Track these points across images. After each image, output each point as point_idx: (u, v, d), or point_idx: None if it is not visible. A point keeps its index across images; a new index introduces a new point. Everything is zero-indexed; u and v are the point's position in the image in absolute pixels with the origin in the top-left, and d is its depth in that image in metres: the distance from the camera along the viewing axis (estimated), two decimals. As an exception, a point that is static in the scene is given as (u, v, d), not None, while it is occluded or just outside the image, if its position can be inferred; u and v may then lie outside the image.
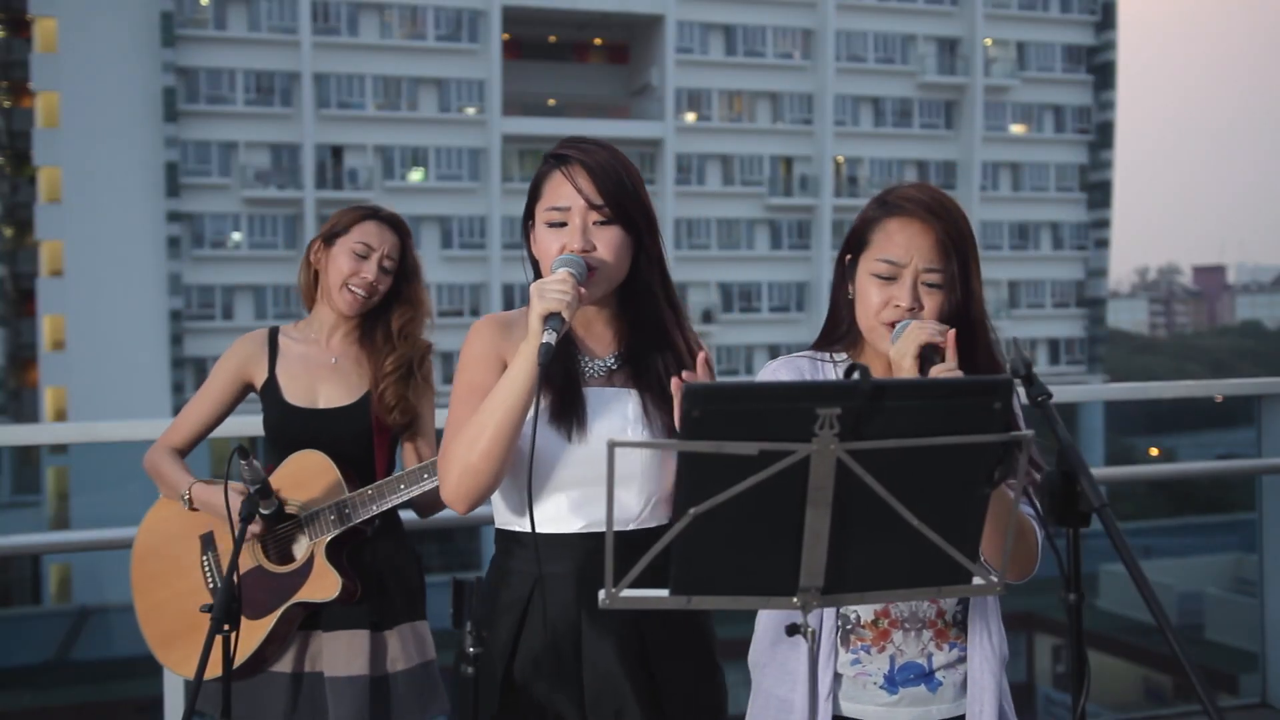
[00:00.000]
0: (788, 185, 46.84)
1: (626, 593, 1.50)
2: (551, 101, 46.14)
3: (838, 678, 2.01)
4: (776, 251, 46.74)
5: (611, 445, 1.46)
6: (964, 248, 1.96)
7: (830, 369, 2.10)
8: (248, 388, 2.76)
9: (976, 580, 1.56)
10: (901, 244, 1.96)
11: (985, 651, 1.99)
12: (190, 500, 2.66)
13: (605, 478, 1.90)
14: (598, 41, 48.22)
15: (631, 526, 2.02)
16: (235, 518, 2.43)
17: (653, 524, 2.04)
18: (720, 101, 46.74)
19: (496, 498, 2.09)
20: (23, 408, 42.24)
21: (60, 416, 38.65)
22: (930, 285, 1.95)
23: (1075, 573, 1.64)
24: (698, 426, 1.41)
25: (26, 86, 41.14)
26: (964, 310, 1.96)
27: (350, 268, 2.69)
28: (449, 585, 1.85)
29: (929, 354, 1.86)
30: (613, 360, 2.09)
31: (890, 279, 1.96)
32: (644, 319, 2.10)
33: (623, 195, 2.02)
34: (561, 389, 1.99)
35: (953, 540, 1.51)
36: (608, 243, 2.01)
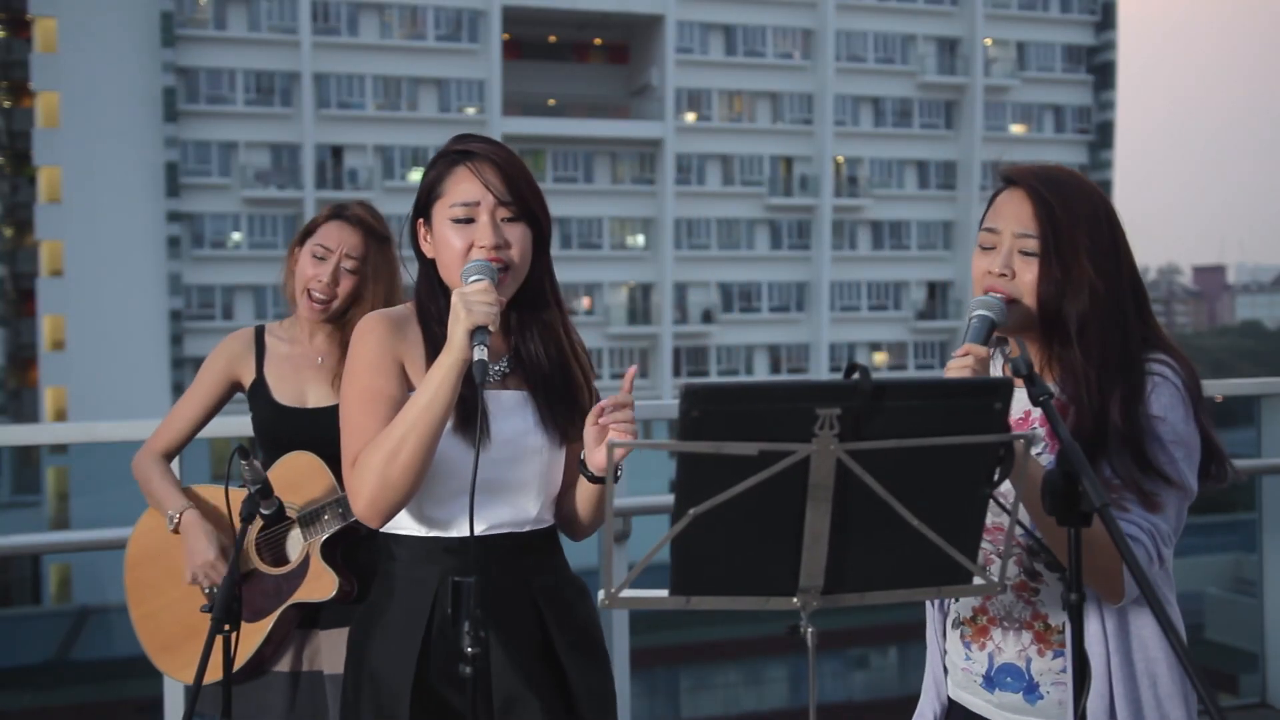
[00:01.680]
0: (788, 185, 46.83)
1: (626, 593, 1.50)
2: (551, 101, 46.13)
3: (946, 669, 2.02)
4: (776, 251, 46.73)
5: (611, 446, 1.46)
6: (1069, 218, 1.84)
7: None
8: (235, 387, 2.75)
9: (976, 580, 1.56)
10: (1002, 211, 1.91)
11: (1098, 668, 1.82)
12: (178, 526, 2.64)
13: (501, 481, 1.95)
14: (598, 41, 48.21)
15: (528, 528, 2.02)
16: (235, 518, 2.43)
17: (547, 523, 2.05)
18: (720, 101, 46.73)
19: None
20: (23, 408, 42.23)
21: (60, 416, 38.64)
22: (1026, 253, 1.86)
23: (1076, 573, 1.63)
24: (697, 426, 1.41)
25: (26, 86, 41.13)
26: (1064, 284, 1.83)
27: (309, 272, 2.66)
28: (448, 585, 1.85)
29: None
30: (505, 364, 2.04)
31: (991, 248, 1.90)
32: (533, 320, 2.05)
33: (528, 192, 1.98)
34: (464, 396, 1.91)
35: (953, 540, 1.51)
36: (517, 240, 1.97)
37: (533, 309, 2.06)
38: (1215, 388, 4.88)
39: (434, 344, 1.98)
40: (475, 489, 1.86)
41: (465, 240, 1.95)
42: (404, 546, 2.02)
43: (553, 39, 47.48)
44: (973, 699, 1.99)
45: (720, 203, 46.06)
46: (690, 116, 46.10)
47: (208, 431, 3.35)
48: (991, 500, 1.56)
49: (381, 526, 1.94)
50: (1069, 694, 1.84)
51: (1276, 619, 4.63)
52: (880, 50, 47.93)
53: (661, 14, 44.89)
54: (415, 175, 43.28)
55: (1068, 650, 1.83)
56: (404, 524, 2.01)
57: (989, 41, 48.91)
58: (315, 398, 2.70)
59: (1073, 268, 1.83)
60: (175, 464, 3.37)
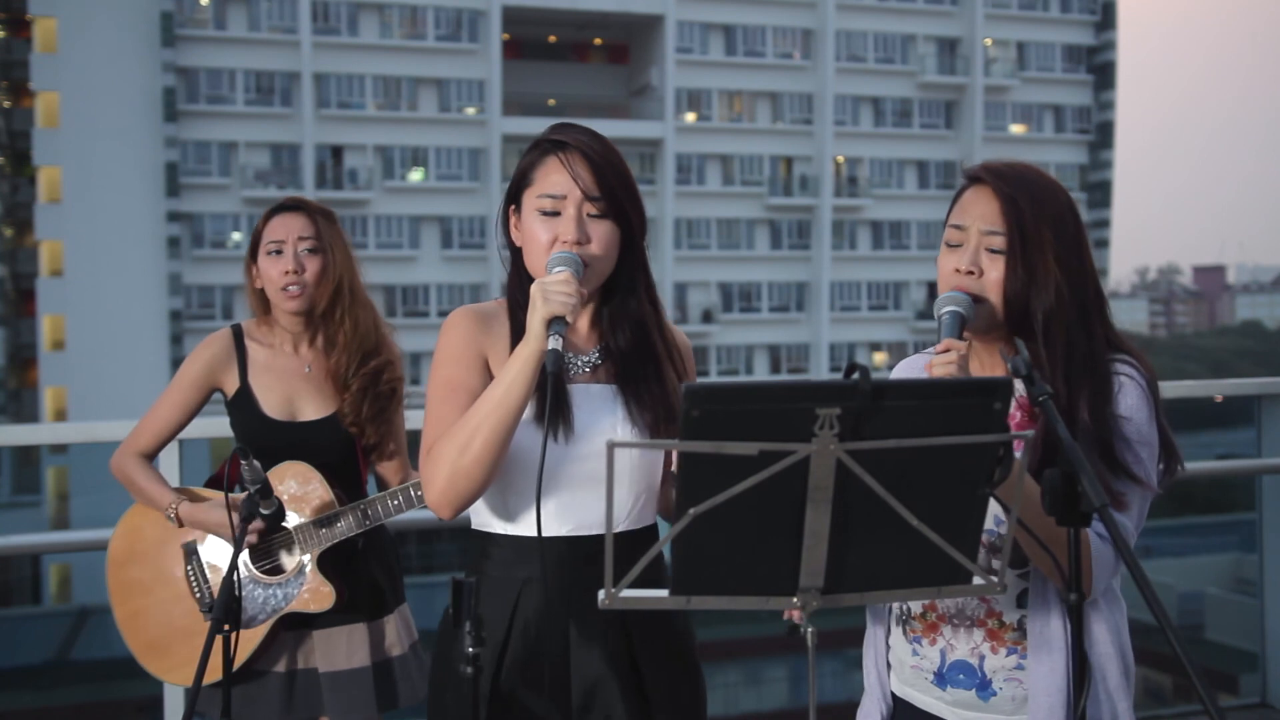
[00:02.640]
0: (788, 185, 46.84)
1: (626, 593, 1.50)
2: (551, 101, 46.12)
3: (890, 665, 2.02)
4: (776, 251, 46.74)
5: (611, 446, 1.46)
6: (1035, 215, 1.83)
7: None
8: (214, 392, 2.73)
9: (976, 580, 1.56)
10: (968, 209, 1.90)
11: (1046, 669, 1.84)
12: (178, 519, 2.62)
13: (592, 478, 1.91)
14: (598, 41, 48.22)
15: (623, 527, 1.98)
16: (235, 519, 2.43)
17: (643, 524, 2.01)
18: (720, 101, 46.74)
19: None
20: (23, 408, 42.22)
21: (60, 416, 38.64)
22: (993, 250, 1.85)
23: (1075, 573, 1.63)
24: (697, 426, 1.41)
25: (26, 86, 41.12)
26: (1030, 282, 1.83)
27: (274, 270, 2.65)
28: (448, 585, 1.85)
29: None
30: (596, 355, 2.02)
31: (958, 245, 1.89)
32: (626, 314, 2.02)
33: (620, 188, 1.95)
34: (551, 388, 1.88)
35: (953, 540, 1.51)
36: (601, 237, 1.94)
37: (623, 303, 2.02)
38: (1215, 388, 4.89)
39: (520, 335, 1.94)
40: (552, 485, 1.88)
41: (550, 232, 1.93)
42: (494, 544, 2.00)
43: (553, 39, 47.49)
44: (922, 696, 1.98)
45: (720, 203, 46.06)
46: (690, 116, 46.10)
47: (206, 431, 3.35)
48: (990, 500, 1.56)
49: (453, 517, 1.90)
50: (1022, 690, 1.87)
51: (1276, 619, 4.64)
52: (880, 50, 47.94)
53: (661, 14, 44.90)
54: (415, 175, 43.37)
55: (1052, 649, 1.84)
56: (491, 522, 2.00)
57: (989, 41, 48.91)
58: (305, 411, 2.67)
59: (1039, 266, 1.83)
60: (175, 465, 3.38)
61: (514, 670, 1.95)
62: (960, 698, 1.93)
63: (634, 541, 1.97)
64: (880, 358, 47.49)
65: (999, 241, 1.85)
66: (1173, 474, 1.91)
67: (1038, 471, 1.78)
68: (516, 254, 2.02)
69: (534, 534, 1.92)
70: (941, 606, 1.94)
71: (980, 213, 1.87)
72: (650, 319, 2.04)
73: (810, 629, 1.55)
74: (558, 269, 1.87)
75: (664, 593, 1.51)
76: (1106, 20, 50.40)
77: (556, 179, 1.94)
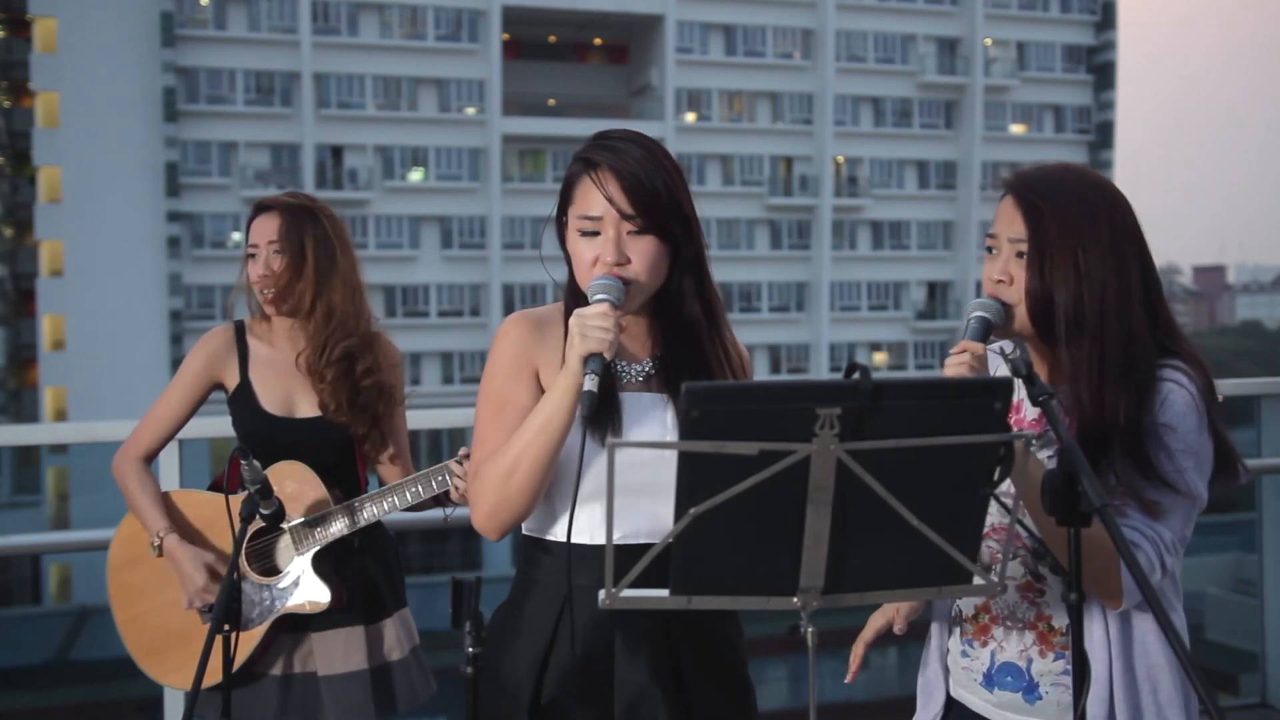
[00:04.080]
0: (788, 185, 46.84)
1: (627, 593, 1.50)
2: (551, 101, 46.12)
3: (947, 667, 2.04)
4: (776, 251, 46.73)
5: (611, 446, 1.46)
6: (1057, 218, 1.83)
7: (998, 362, 2.03)
8: (215, 387, 2.72)
9: (976, 580, 1.56)
10: (1000, 217, 1.92)
11: (1099, 672, 1.84)
12: (160, 550, 2.61)
13: (641, 486, 1.89)
14: (598, 41, 48.22)
15: (642, 540, 1.92)
16: (235, 519, 2.43)
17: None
18: (720, 101, 46.73)
19: None
20: (23, 408, 42.22)
21: (60, 416, 38.64)
22: (1021, 256, 1.87)
23: (1076, 573, 1.63)
24: (698, 426, 1.41)
25: (26, 86, 41.12)
26: (1051, 284, 1.83)
27: (252, 274, 2.66)
28: (448, 585, 1.85)
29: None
30: (650, 364, 2.00)
31: (995, 254, 1.92)
32: (680, 323, 2.00)
33: (656, 203, 1.90)
34: (601, 391, 1.84)
35: (953, 540, 1.51)
36: (642, 255, 1.90)
37: (674, 312, 1.99)
38: (1215, 388, 4.88)
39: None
40: (599, 493, 1.82)
41: (591, 253, 1.90)
42: (544, 551, 1.98)
43: (553, 39, 47.48)
44: (971, 697, 2.00)
45: (720, 203, 46.04)
46: (690, 116, 46.10)
47: (206, 431, 3.35)
48: (994, 500, 1.56)
49: (499, 539, 1.92)
50: (1068, 696, 1.83)
51: (1276, 619, 4.63)
52: (880, 50, 47.93)
53: (661, 14, 44.89)
54: (415, 175, 43.37)
55: (1099, 656, 1.84)
56: (542, 527, 1.98)
57: (989, 41, 48.91)
58: (305, 407, 2.67)
59: (1060, 269, 1.82)
60: (175, 465, 3.37)
61: (556, 678, 1.93)
62: (1006, 700, 1.94)
63: None
64: (880, 358, 47.49)
65: (1024, 248, 1.87)
66: (1234, 479, 1.88)
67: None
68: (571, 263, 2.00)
69: (586, 541, 1.92)
70: (995, 608, 1.95)
71: (1008, 221, 1.90)
72: (701, 327, 2.01)
73: (810, 629, 1.55)
74: (597, 298, 1.84)
75: (664, 593, 1.51)
76: (1106, 20, 50.39)
77: (591, 200, 1.90)
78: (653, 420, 1.95)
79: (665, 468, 1.92)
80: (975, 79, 48.03)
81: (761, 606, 1.53)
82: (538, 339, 1.97)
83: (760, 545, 1.49)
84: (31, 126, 40.58)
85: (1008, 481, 1.54)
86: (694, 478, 1.43)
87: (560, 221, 1.99)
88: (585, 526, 1.93)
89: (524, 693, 1.93)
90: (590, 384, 1.74)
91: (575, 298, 1.98)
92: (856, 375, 1.43)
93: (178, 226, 40.22)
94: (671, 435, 1.95)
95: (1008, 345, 1.86)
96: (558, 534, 1.96)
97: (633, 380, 1.98)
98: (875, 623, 2.14)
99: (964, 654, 2.00)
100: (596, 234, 1.90)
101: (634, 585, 1.50)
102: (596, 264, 1.89)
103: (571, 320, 1.81)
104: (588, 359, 1.77)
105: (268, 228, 2.66)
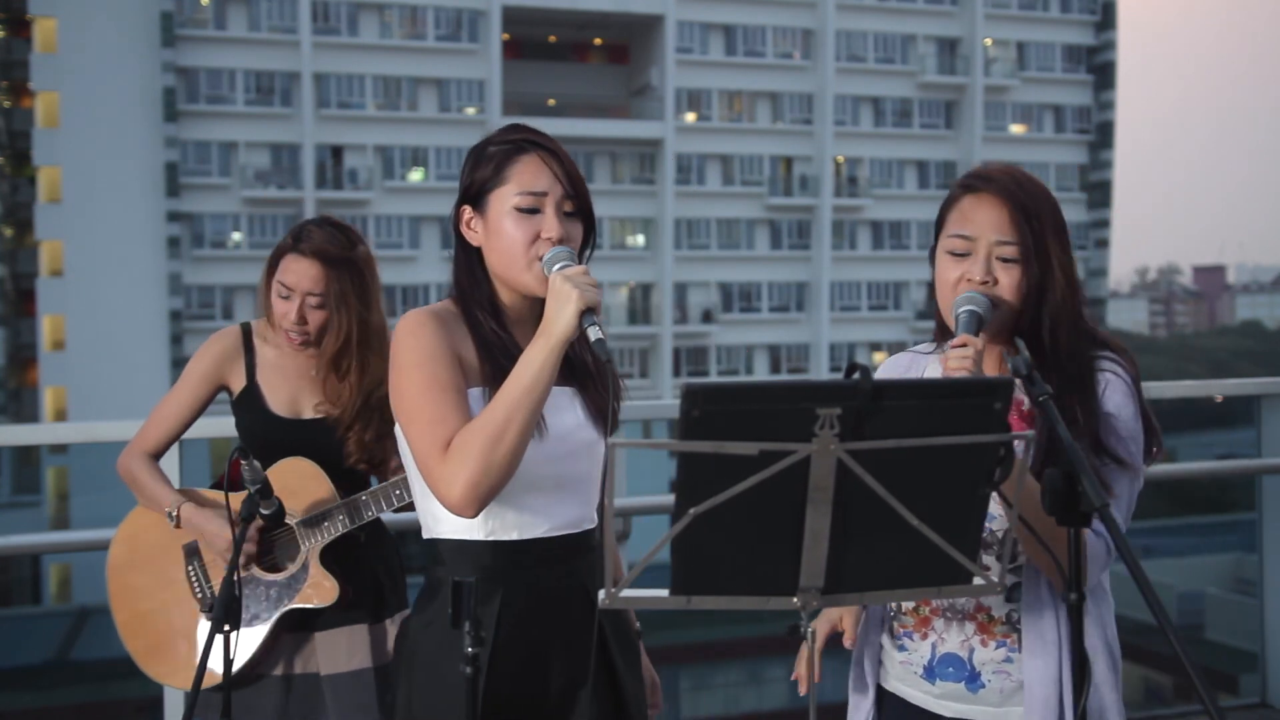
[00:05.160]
0: (788, 185, 46.82)
1: (626, 593, 1.50)
2: (551, 101, 46.11)
3: (880, 662, 2.06)
4: (776, 251, 46.72)
5: (611, 446, 1.46)
6: (1041, 223, 1.89)
7: (930, 362, 2.10)
8: (221, 389, 2.72)
9: (976, 580, 1.56)
10: (975, 218, 1.92)
11: (1040, 662, 1.88)
12: (178, 520, 2.62)
13: (563, 479, 1.94)
14: (598, 41, 48.21)
15: (585, 528, 2.01)
16: (235, 519, 2.43)
17: (594, 525, 2.04)
18: (720, 101, 46.72)
19: (439, 506, 1.92)
20: (23, 408, 42.22)
21: (60, 416, 38.63)
22: (1005, 260, 1.89)
23: (1076, 573, 1.63)
24: (698, 426, 1.41)
25: (26, 86, 41.11)
26: (1042, 286, 1.89)
27: (279, 309, 2.64)
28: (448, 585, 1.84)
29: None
30: None
31: (964, 255, 1.93)
32: None
33: (584, 190, 1.98)
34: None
35: (953, 540, 1.51)
36: (575, 237, 1.96)
37: None
38: (1215, 388, 4.89)
39: (481, 338, 1.95)
40: (527, 487, 1.89)
41: (530, 230, 1.92)
42: (454, 553, 1.97)
43: (553, 39, 47.47)
44: (911, 690, 2.02)
45: (720, 203, 46.04)
46: (690, 116, 46.09)
47: (206, 431, 3.35)
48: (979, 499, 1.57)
49: (476, 516, 1.85)
50: (1010, 682, 1.92)
51: (1276, 619, 4.63)
52: (880, 50, 47.92)
53: (661, 14, 44.88)
54: (415, 175, 43.35)
55: (1045, 645, 1.88)
56: (453, 528, 1.97)
57: (989, 41, 48.90)
58: (311, 409, 2.68)
59: (1048, 272, 1.89)
60: (175, 465, 3.37)
61: (501, 680, 1.93)
62: (949, 690, 1.97)
63: (594, 541, 2.03)
64: (880, 358, 47.44)
65: (1011, 250, 1.89)
66: (1155, 455, 1.98)
67: (1038, 471, 1.81)
68: (471, 254, 2.00)
69: (512, 538, 1.94)
70: (934, 601, 1.98)
71: (989, 222, 1.91)
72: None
73: (810, 629, 1.56)
74: (565, 264, 1.87)
75: (664, 592, 1.51)
76: (1106, 20, 50.38)
77: (538, 176, 1.93)
78: (568, 412, 1.98)
79: (592, 460, 1.99)
80: (975, 79, 48.02)
81: (761, 606, 1.53)
82: (448, 330, 1.95)
83: (760, 545, 1.49)
84: (31, 126, 40.56)
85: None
86: (693, 477, 1.43)
87: (459, 210, 2.00)
88: (514, 522, 1.94)
89: (462, 693, 1.90)
90: (596, 333, 1.78)
91: (476, 284, 1.99)
92: (856, 375, 1.43)
93: (178, 226, 40.21)
94: (586, 425, 1.98)
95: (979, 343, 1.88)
96: (460, 532, 1.95)
97: None
98: (823, 630, 2.14)
99: (901, 648, 2.02)
100: (536, 211, 1.93)
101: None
102: (537, 240, 1.92)
103: (556, 280, 1.82)
104: (584, 313, 1.80)
105: (308, 277, 2.61)
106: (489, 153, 1.98)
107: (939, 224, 2.00)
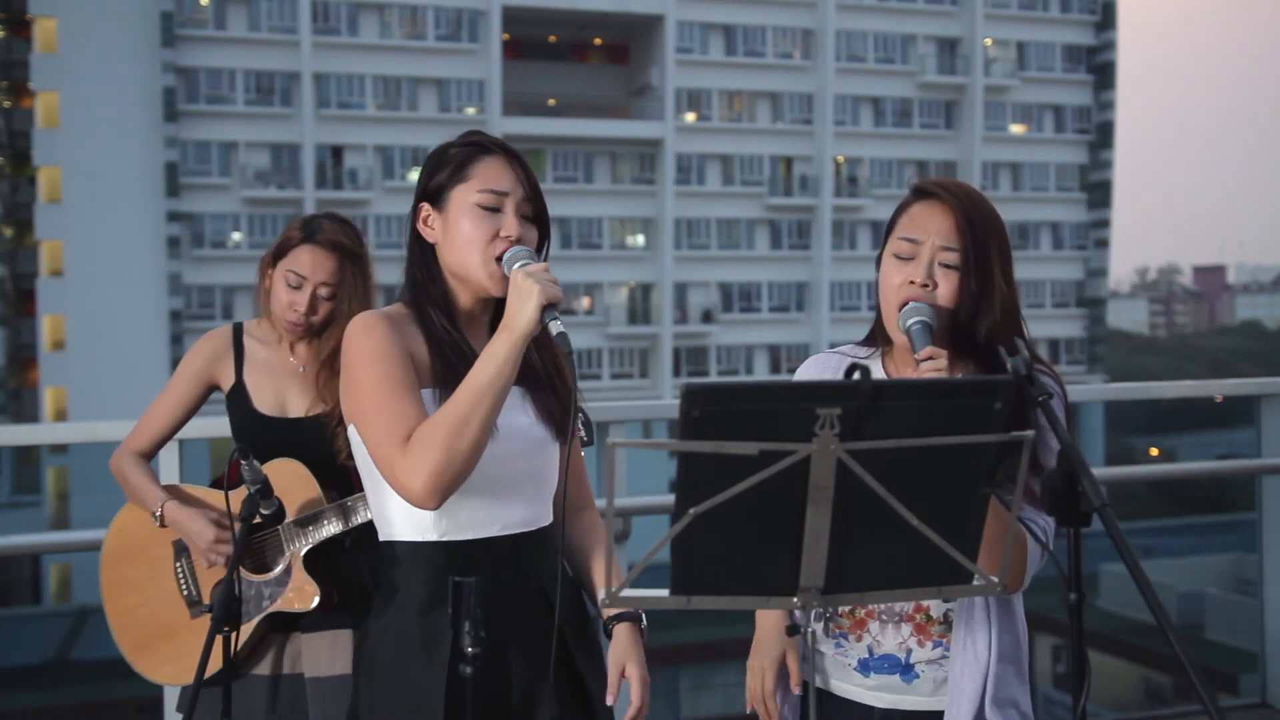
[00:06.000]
0: (788, 185, 46.82)
1: (626, 593, 1.50)
2: (551, 101, 46.11)
3: (819, 654, 2.06)
4: (776, 251, 46.72)
5: (611, 446, 1.46)
6: (984, 234, 1.93)
7: (872, 365, 2.11)
8: (213, 388, 2.72)
9: (977, 580, 1.56)
10: (922, 223, 1.96)
11: (970, 655, 1.94)
12: (161, 518, 2.62)
13: (512, 478, 1.95)
14: (598, 41, 48.21)
15: (539, 526, 2.01)
16: (235, 519, 2.43)
17: (547, 523, 2.04)
18: (720, 101, 46.72)
19: (393, 508, 1.96)
20: (23, 408, 42.22)
21: (60, 416, 38.64)
22: (947, 266, 1.93)
23: (1076, 573, 1.63)
24: (698, 426, 1.41)
25: (26, 86, 41.11)
26: (980, 297, 1.92)
27: (285, 298, 2.64)
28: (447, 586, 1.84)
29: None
30: None
31: (909, 258, 1.96)
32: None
33: (541, 194, 2.02)
34: (451, 392, 1.88)
35: (953, 540, 1.51)
36: (530, 240, 1.98)
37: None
38: (1215, 388, 4.89)
39: (433, 336, 1.96)
40: (479, 486, 1.88)
41: (489, 228, 1.95)
42: (409, 556, 1.96)
43: (553, 39, 47.47)
44: (843, 684, 2.03)
45: (720, 203, 46.04)
46: (690, 116, 46.09)
47: (206, 431, 3.35)
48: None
49: (438, 508, 1.85)
50: (943, 673, 1.97)
51: (1276, 619, 4.64)
52: (880, 50, 47.92)
53: (661, 14, 44.87)
54: (415, 175, 43.13)
55: (974, 641, 1.93)
56: (403, 530, 1.97)
57: (989, 41, 48.90)
58: (296, 407, 2.67)
59: (987, 281, 1.93)
60: (175, 465, 3.37)
61: (455, 674, 1.91)
62: (883, 682, 2.00)
63: (547, 539, 2.04)
64: (880, 358, 47.44)
65: (953, 257, 1.93)
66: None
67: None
68: (426, 250, 2.03)
69: (465, 538, 1.94)
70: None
71: (935, 227, 1.95)
72: None
73: (810, 629, 1.56)
74: (525, 262, 1.90)
75: (664, 592, 1.51)
76: (1106, 20, 50.38)
77: (501, 175, 1.97)
78: (520, 411, 2.00)
79: (544, 459, 2.01)
80: (975, 79, 48.02)
81: (761, 606, 1.53)
82: (402, 330, 1.97)
83: (760, 545, 1.49)
84: (31, 126, 40.56)
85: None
86: (693, 477, 1.43)
87: (417, 206, 2.01)
88: (467, 522, 1.94)
89: (437, 696, 1.90)
90: (558, 328, 1.82)
91: (431, 280, 2.01)
92: (856, 375, 1.43)
93: (178, 226, 40.21)
94: (537, 424, 2.00)
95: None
96: (409, 535, 1.95)
97: None
98: (770, 672, 2.08)
99: (836, 646, 2.04)
100: (496, 210, 1.96)
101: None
102: (495, 239, 1.95)
103: (518, 276, 1.85)
104: (546, 308, 1.82)
105: (324, 268, 2.64)
106: (450, 154, 2.01)
107: (889, 228, 2.04)
